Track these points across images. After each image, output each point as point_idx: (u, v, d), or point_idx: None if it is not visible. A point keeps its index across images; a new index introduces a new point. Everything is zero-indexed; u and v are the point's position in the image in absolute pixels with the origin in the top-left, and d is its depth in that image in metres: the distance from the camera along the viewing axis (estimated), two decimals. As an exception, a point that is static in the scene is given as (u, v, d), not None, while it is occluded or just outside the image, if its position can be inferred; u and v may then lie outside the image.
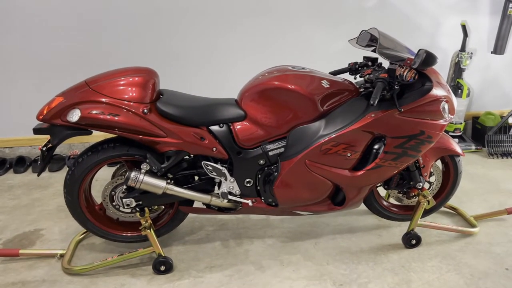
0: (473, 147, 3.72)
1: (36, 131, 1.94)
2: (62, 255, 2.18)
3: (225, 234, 2.44)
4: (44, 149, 2.00)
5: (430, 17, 3.64)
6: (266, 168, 2.10)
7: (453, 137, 3.72)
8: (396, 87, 1.93)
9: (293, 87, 1.99)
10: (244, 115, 2.05)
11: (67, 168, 3.25)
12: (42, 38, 3.21)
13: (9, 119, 3.36)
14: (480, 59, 3.83)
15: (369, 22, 3.38)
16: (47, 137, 1.99)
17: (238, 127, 2.04)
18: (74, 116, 1.88)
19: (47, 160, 2.03)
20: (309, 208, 2.20)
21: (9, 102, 3.32)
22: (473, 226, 2.48)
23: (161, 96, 2.02)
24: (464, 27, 3.53)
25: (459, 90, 3.68)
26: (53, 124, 1.91)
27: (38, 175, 2.07)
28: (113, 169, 2.24)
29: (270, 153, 2.07)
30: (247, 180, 2.11)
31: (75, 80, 2.06)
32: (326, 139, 1.99)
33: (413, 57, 1.94)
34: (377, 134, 2.04)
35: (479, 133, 3.79)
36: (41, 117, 1.92)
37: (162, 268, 2.09)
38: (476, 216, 2.56)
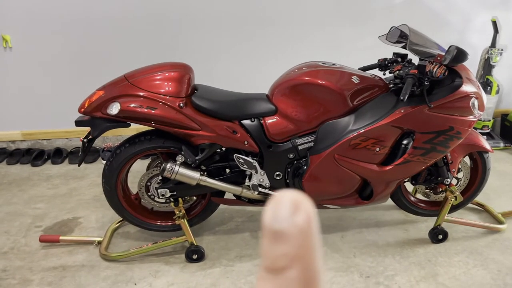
0: (502, 145, 3.69)
1: (78, 123, 2.04)
2: (99, 242, 2.29)
3: (253, 225, 2.51)
4: (85, 140, 2.10)
5: (460, 13, 3.61)
6: (295, 162, 2.15)
7: (481, 134, 3.69)
8: (426, 83, 1.96)
9: (323, 82, 2.04)
10: (275, 110, 2.10)
11: (101, 160, 3.40)
12: (80, 36, 3.33)
13: (47, 112, 3.50)
14: (511, 55, 3.78)
15: (398, 18, 3.38)
16: (85, 129, 2.09)
17: (269, 121, 2.10)
18: (114, 109, 1.97)
19: (87, 151, 2.13)
20: (337, 201, 2.24)
21: (47, 96, 3.46)
22: (500, 222, 2.48)
23: (195, 91, 2.09)
24: (494, 23, 3.49)
25: (489, 87, 3.64)
26: (94, 116, 2.01)
27: (79, 165, 2.17)
28: (146, 162, 2.33)
29: (300, 147, 2.12)
30: (277, 173, 2.17)
31: (112, 75, 2.15)
32: (356, 133, 2.03)
33: (443, 54, 1.96)
34: (406, 130, 2.06)
35: (508, 130, 3.75)
36: (82, 110, 2.01)
37: (194, 256, 2.17)
38: (504, 213, 2.56)
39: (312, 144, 2.11)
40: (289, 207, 0.34)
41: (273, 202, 0.35)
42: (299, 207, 0.34)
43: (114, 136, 3.59)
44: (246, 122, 2.09)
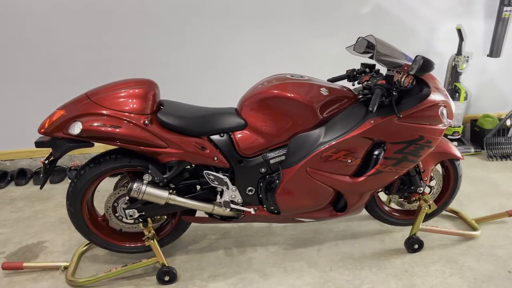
0: (472, 150, 3.74)
1: (38, 144, 1.95)
2: (66, 267, 2.18)
3: (228, 242, 2.45)
4: (46, 162, 2.00)
5: (425, 22, 3.67)
6: (267, 176, 2.11)
7: (452, 140, 3.74)
8: (394, 93, 1.95)
9: (292, 95, 2.01)
10: (244, 124, 2.06)
11: (68, 180, 3.28)
12: (43, 52, 3.22)
13: (10, 132, 3.36)
14: (477, 62, 3.85)
15: (366, 28, 3.41)
16: (49, 149, 2.00)
17: (239, 136, 2.05)
18: (76, 129, 1.89)
19: (49, 172, 2.04)
20: (311, 215, 2.21)
21: (10, 114, 3.33)
22: (474, 229, 2.49)
23: (161, 107, 2.03)
24: (459, 31, 3.56)
25: (457, 94, 3.70)
26: (55, 137, 1.92)
27: (41, 188, 2.08)
28: (115, 179, 2.25)
29: (271, 161, 2.08)
30: (249, 188, 2.12)
31: (76, 92, 2.08)
32: (327, 146, 2.00)
33: (410, 63, 1.96)
34: (377, 140, 2.05)
35: (478, 135, 3.81)
36: (42, 130, 1.92)
37: (166, 278, 2.09)
38: (478, 219, 2.57)
39: (283, 157, 2.08)
40: None
41: None
42: None
43: (82, 155, 3.47)
44: (215, 137, 2.04)
